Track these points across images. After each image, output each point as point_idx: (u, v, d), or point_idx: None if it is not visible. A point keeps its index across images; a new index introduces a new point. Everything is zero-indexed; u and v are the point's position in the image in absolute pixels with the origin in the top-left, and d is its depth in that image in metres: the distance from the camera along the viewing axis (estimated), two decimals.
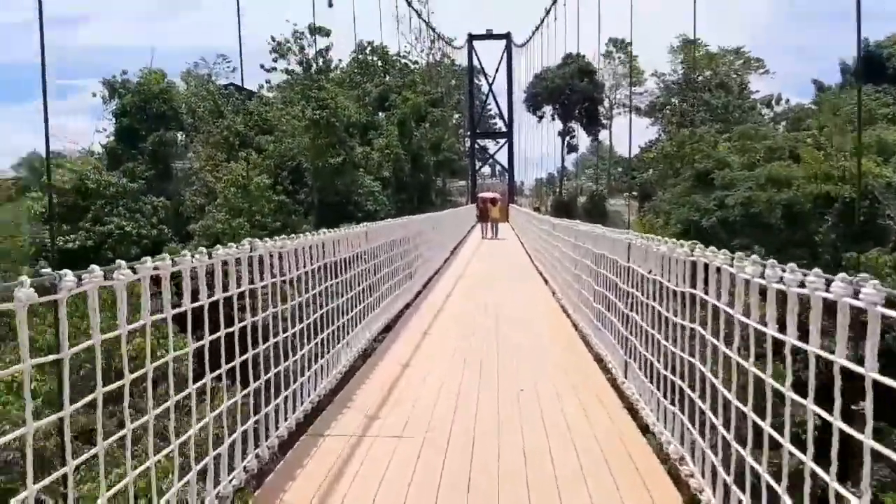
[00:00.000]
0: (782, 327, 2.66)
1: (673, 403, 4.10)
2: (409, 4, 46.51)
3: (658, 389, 4.47)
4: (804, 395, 2.49)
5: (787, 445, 2.65)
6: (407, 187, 38.44)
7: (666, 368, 4.25)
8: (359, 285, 6.86)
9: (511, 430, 4.76)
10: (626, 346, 5.42)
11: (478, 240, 28.50)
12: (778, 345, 2.76)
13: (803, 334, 2.55)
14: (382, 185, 36.62)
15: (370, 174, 36.70)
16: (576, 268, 8.86)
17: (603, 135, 60.03)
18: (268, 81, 43.94)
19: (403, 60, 50.51)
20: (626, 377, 5.50)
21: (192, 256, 3.27)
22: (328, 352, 5.52)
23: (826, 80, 52.48)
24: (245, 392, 3.97)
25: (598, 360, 6.88)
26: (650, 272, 4.70)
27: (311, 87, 36.96)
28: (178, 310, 3.27)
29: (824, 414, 2.37)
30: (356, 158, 36.69)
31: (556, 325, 9.13)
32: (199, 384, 3.46)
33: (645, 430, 4.72)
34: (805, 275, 2.45)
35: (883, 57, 47.69)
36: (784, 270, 2.62)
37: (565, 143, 57.94)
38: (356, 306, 6.71)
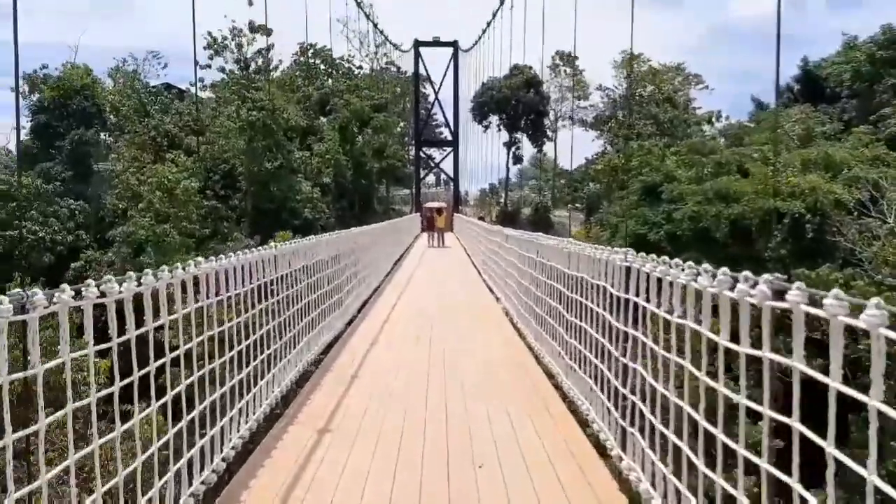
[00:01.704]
0: None
1: None
2: (359, 6, 44.79)
3: (680, 480, 3.08)
4: None
5: None
6: (348, 194, 36.72)
7: (709, 463, 2.84)
8: (262, 328, 5.21)
9: None
10: (624, 407, 4.01)
11: (422, 251, 27.10)
12: None
13: None
14: (322, 192, 34.80)
15: (309, 180, 34.84)
16: (539, 289, 7.49)
17: (548, 146, 59.66)
18: (201, 80, 41.57)
19: (347, 65, 48.87)
20: (623, 449, 4.07)
21: None
22: (209, 429, 3.87)
23: (762, 98, 53.61)
24: None
25: (573, 409, 5.51)
26: (675, 313, 3.29)
27: (248, 87, 34.86)
28: None
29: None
30: (294, 163, 34.79)
31: (514, 358, 7.72)
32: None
33: None
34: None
35: (821, 77, 48.66)
36: None
37: (511, 153, 57.29)
38: (256, 357, 5.03)
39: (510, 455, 4.45)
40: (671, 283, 3.24)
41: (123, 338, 2.96)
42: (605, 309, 4.56)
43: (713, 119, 51.23)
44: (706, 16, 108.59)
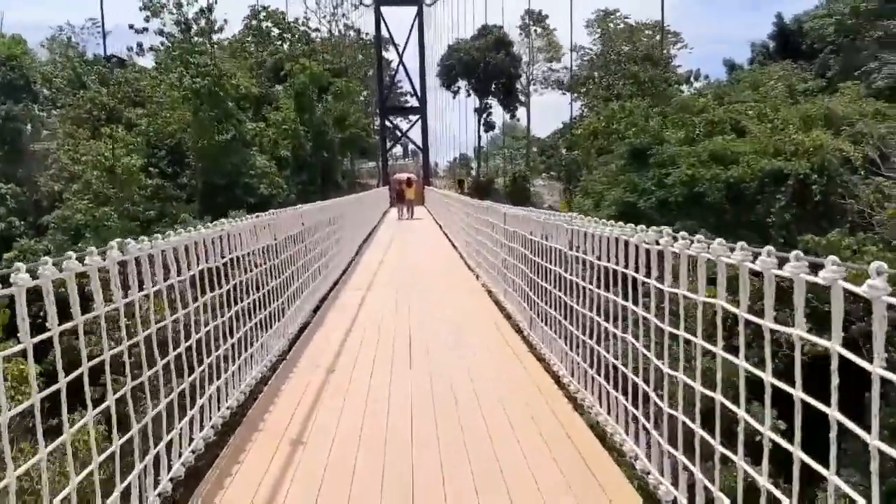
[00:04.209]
0: None
1: None
2: None
3: None
4: None
5: None
6: (308, 167, 33.63)
7: None
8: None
9: None
10: None
11: (391, 230, 24.48)
12: None
13: None
14: (279, 166, 31.68)
15: (265, 153, 31.70)
16: (572, 298, 4.97)
17: (520, 113, 56.93)
18: (139, 44, 37.82)
19: (303, 28, 45.13)
20: None
21: None
22: None
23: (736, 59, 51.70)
24: None
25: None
26: None
27: (190, 52, 31.38)
28: None
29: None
30: (248, 135, 31.56)
31: (528, 394, 5.23)
32: None
33: None
34: None
35: (800, 32, 46.68)
36: None
37: (482, 120, 54.45)
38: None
39: None
40: None
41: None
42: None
43: (692, 79, 49.10)
44: None
